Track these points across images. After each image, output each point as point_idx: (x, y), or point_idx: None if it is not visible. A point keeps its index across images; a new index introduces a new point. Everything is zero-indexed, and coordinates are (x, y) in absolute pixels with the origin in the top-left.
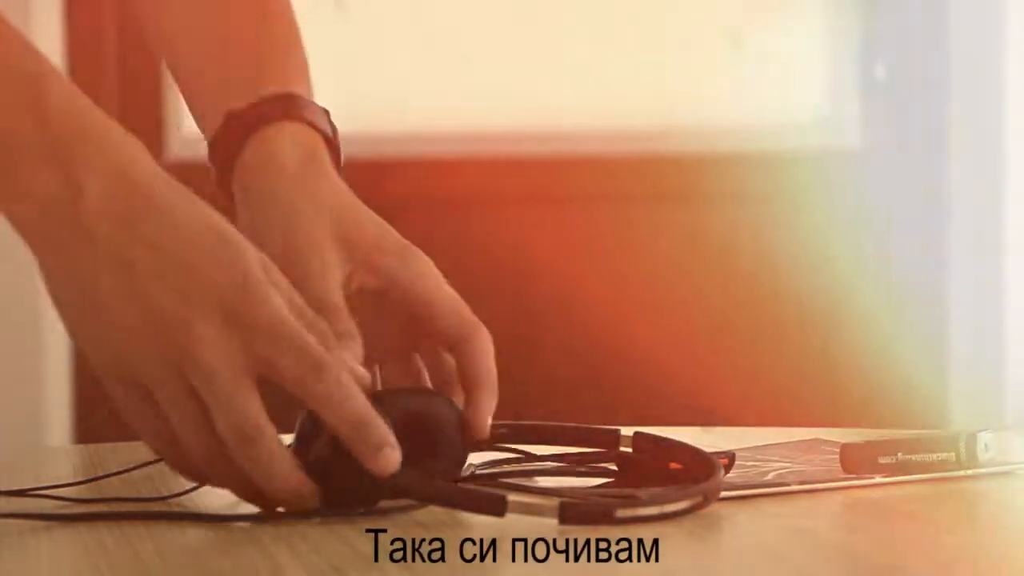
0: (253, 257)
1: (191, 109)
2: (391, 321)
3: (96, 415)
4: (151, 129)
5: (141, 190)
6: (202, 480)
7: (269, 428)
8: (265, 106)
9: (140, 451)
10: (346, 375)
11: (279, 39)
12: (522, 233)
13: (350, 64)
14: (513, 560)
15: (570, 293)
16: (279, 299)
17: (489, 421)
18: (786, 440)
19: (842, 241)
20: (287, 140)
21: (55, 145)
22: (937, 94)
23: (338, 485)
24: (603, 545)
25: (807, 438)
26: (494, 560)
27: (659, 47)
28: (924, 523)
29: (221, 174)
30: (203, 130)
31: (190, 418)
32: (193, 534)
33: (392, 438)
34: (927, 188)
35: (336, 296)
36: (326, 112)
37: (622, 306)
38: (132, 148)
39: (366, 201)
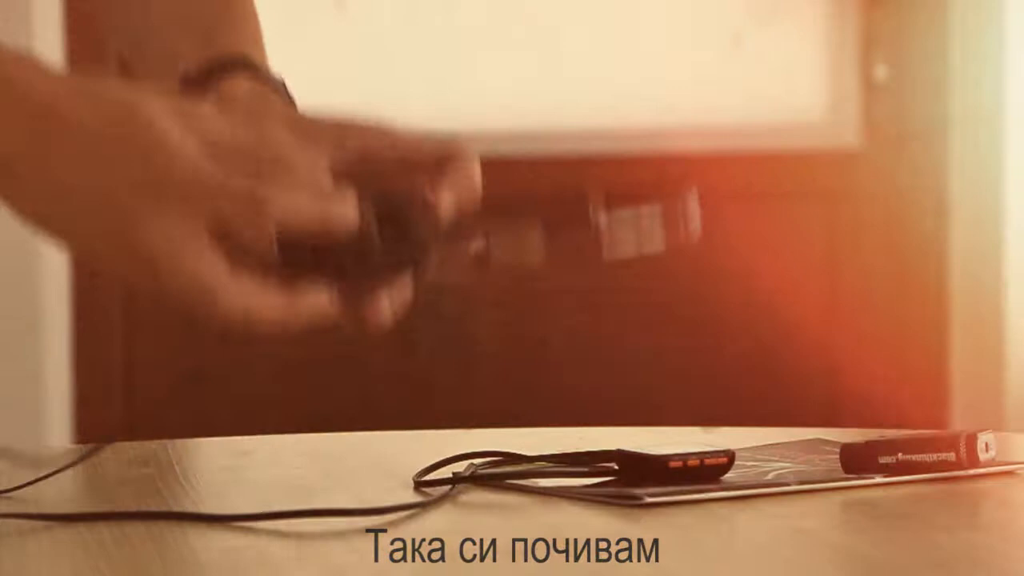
0: (161, 123)
1: (131, 63)
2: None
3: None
4: None
5: (43, 112)
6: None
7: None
8: (216, 64)
9: (139, 451)
10: (282, 192)
11: (231, 11)
12: None
13: (350, 64)
14: (513, 560)
15: (569, 293)
16: (191, 158)
17: (449, 199)
18: (786, 440)
19: (841, 241)
20: (240, 88)
21: None
22: (937, 94)
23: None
24: (603, 545)
25: (807, 438)
26: (494, 560)
27: (660, 47)
28: (924, 523)
29: None
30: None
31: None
32: (193, 534)
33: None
34: (927, 188)
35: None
36: (283, 81)
37: (620, 305)
38: (24, 68)
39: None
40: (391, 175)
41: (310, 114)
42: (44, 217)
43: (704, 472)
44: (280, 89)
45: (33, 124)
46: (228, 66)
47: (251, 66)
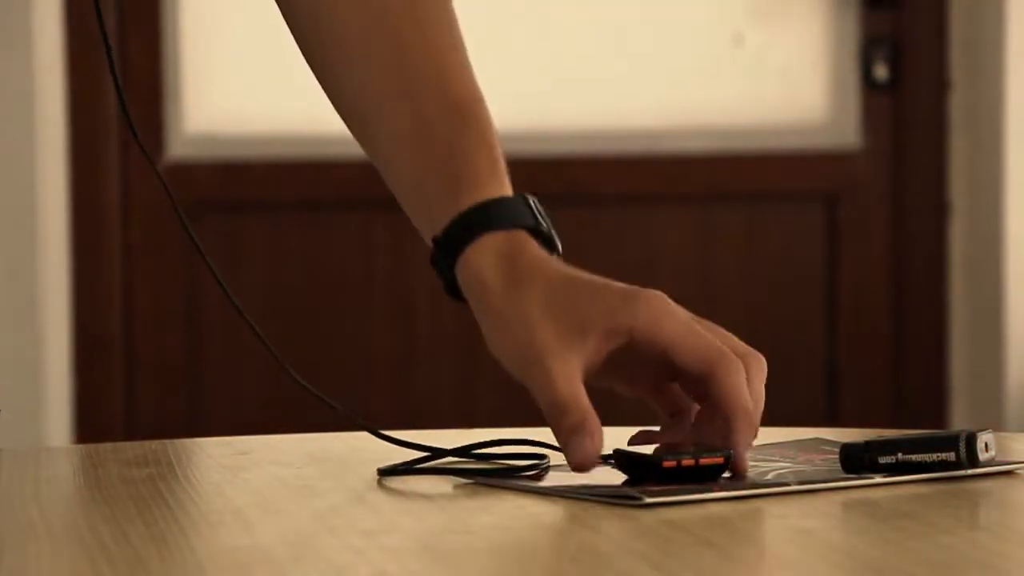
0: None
1: (394, 191)
2: (646, 374)
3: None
4: (151, 129)
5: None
6: None
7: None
8: (461, 227)
9: (139, 451)
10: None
11: (468, 127)
12: None
13: None
14: (513, 560)
15: None
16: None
17: (745, 453)
18: (786, 440)
19: (841, 241)
20: (488, 256)
21: None
22: (937, 94)
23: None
24: (603, 545)
25: (807, 438)
26: (494, 560)
27: (660, 48)
28: (924, 523)
29: (446, 285)
30: (419, 228)
31: None
32: (193, 534)
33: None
34: (927, 188)
35: (561, 394)
36: (524, 198)
37: None
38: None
39: (364, 200)
40: (658, 379)
41: (574, 284)
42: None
43: (700, 472)
44: (527, 223)
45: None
46: (469, 229)
47: (491, 217)
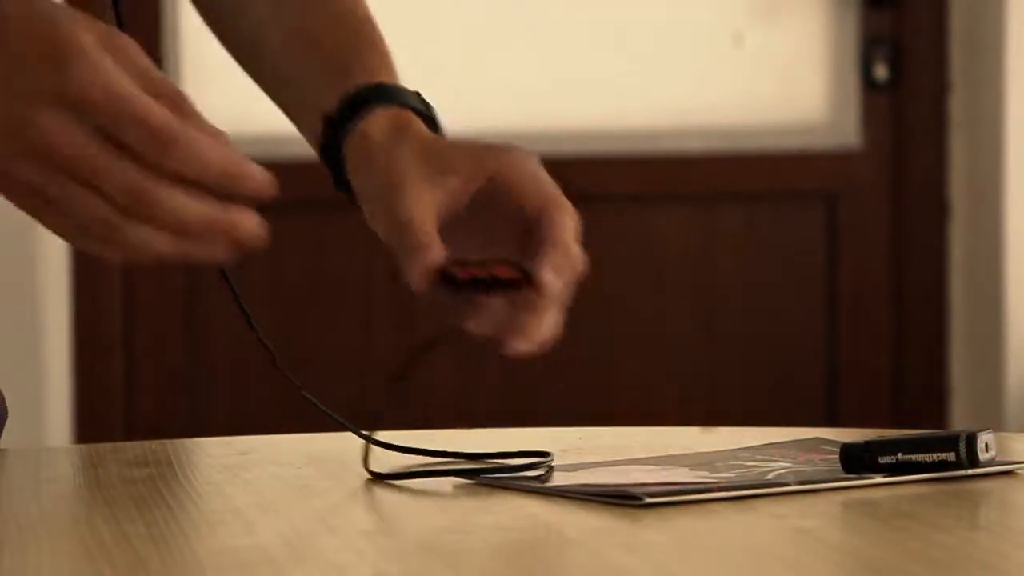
0: (87, 38)
1: (286, 113)
2: (502, 236)
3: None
4: None
5: None
6: (132, 252)
7: (151, 178)
8: (352, 103)
9: (139, 451)
10: (196, 132)
11: (357, 36)
12: None
13: None
14: (513, 560)
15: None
16: (117, 74)
17: (552, 278)
18: (786, 440)
19: (841, 241)
20: (379, 122)
21: None
22: (937, 94)
23: None
24: (603, 545)
25: (807, 438)
26: (494, 559)
27: (660, 48)
28: (924, 523)
29: (335, 174)
30: (304, 135)
31: (84, 206)
32: (193, 534)
33: (256, 167)
34: (927, 188)
35: (411, 216)
36: (417, 93)
37: (622, 304)
38: None
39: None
40: (522, 218)
41: (446, 142)
42: None
43: (498, 284)
44: (416, 106)
45: None
46: (364, 103)
47: (385, 94)
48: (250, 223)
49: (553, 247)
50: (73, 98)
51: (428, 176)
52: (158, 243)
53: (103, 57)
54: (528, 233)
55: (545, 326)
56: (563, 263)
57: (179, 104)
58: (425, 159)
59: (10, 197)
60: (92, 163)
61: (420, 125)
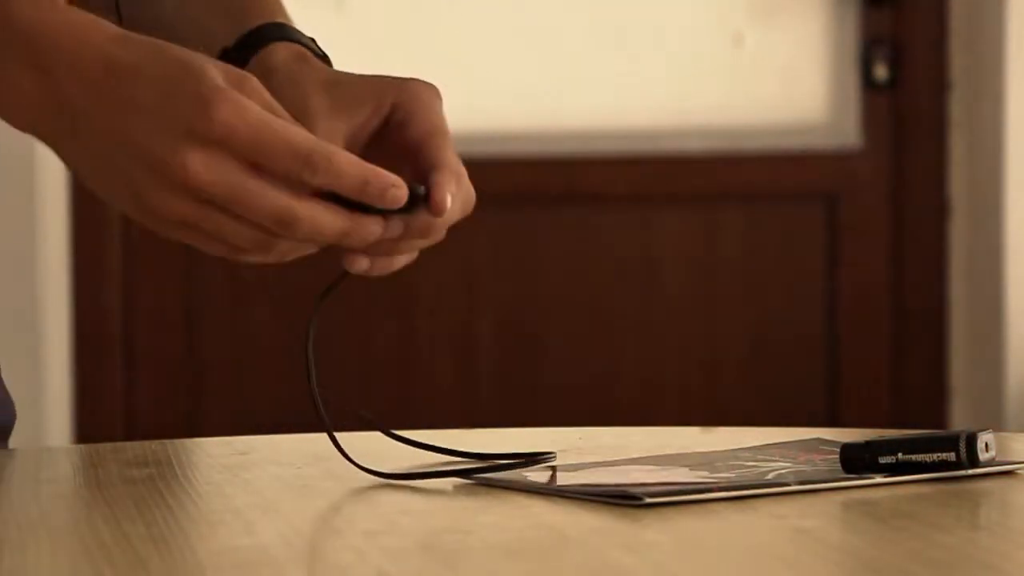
0: (216, 73)
1: None
2: (399, 152)
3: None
4: None
5: (99, 57)
6: (281, 258)
7: (296, 202)
8: (251, 39)
9: (139, 451)
10: (338, 150)
11: None
12: (524, 232)
13: (350, 64)
14: (513, 560)
15: (571, 291)
16: (252, 106)
17: (448, 197)
18: (786, 440)
19: (841, 241)
20: (279, 53)
21: (24, 45)
22: (937, 94)
23: None
24: (602, 545)
25: (807, 438)
26: (494, 559)
27: (660, 47)
28: (924, 523)
29: None
30: None
31: (233, 233)
32: (193, 534)
33: (393, 177)
34: (927, 188)
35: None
36: (313, 40)
37: (622, 304)
38: (86, 22)
39: None
40: (411, 148)
41: (349, 75)
42: (91, 171)
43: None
44: (313, 49)
45: (100, 73)
46: (263, 38)
47: (285, 34)
48: (377, 228)
49: (440, 169)
50: (219, 136)
51: (335, 108)
52: (300, 253)
53: (239, 95)
54: (417, 159)
55: (421, 245)
56: (453, 182)
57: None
58: (329, 90)
59: (161, 231)
60: (240, 197)
61: (317, 61)
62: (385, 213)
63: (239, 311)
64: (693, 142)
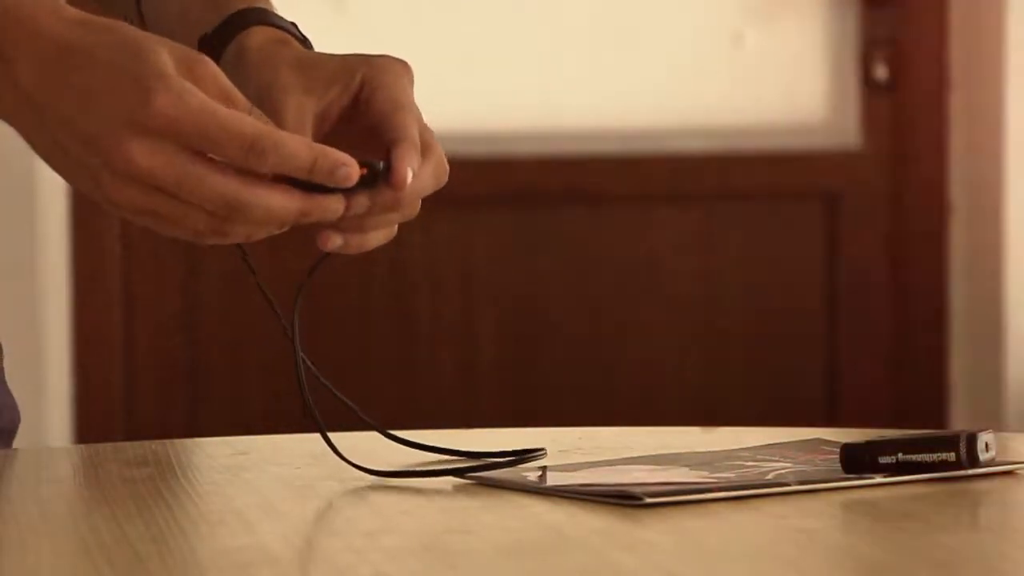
0: (166, 59)
1: None
2: (367, 130)
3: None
4: None
5: (55, 42)
6: (247, 239)
7: (244, 187)
8: (232, 21)
9: (139, 451)
10: (286, 135)
11: None
12: (524, 232)
13: None
14: (513, 560)
15: (571, 291)
16: (195, 94)
17: (408, 171)
18: (786, 440)
19: (841, 241)
20: (256, 37)
21: None
22: (937, 94)
23: None
24: (602, 544)
25: (807, 438)
26: (494, 559)
27: (660, 47)
28: (924, 523)
29: None
30: None
31: (186, 218)
32: (193, 534)
33: (342, 156)
34: (927, 188)
35: (290, 124)
36: (294, 24)
37: (622, 304)
38: (47, 8)
39: None
40: (376, 123)
41: (321, 54)
42: (57, 161)
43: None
44: (293, 33)
45: (53, 59)
46: (243, 22)
47: (263, 17)
48: (338, 206)
49: (400, 143)
50: (160, 126)
51: (306, 86)
52: (264, 234)
53: (184, 82)
54: (380, 133)
55: (390, 221)
56: (413, 155)
57: (258, 117)
58: (301, 69)
59: (123, 216)
60: (185, 184)
61: (296, 43)
62: (346, 191)
63: (239, 311)
64: (693, 142)
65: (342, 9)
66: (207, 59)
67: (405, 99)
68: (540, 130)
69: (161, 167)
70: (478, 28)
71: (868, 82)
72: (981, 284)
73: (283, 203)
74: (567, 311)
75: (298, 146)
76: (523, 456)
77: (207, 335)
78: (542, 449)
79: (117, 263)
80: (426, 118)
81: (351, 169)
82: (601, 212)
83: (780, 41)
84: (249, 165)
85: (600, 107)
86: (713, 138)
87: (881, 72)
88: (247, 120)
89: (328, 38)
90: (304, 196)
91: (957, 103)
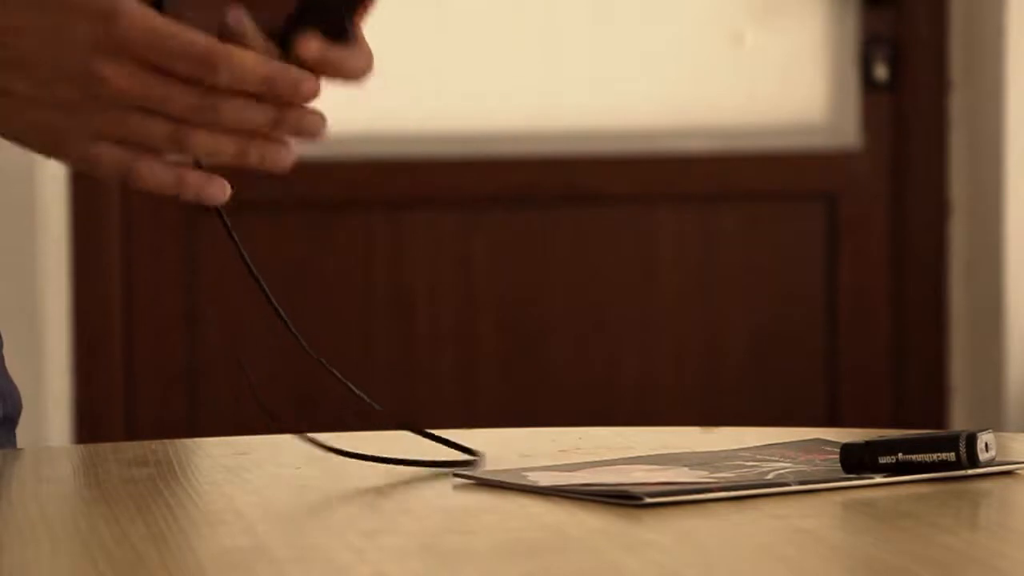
0: None
1: None
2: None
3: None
4: None
5: None
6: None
7: (212, 97)
8: None
9: (139, 451)
10: (237, 50)
11: None
12: (524, 232)
13: None
14: (513, 560)
15: (571, 291)
16: (158, 19)
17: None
18: (786, 440)
19: (841, 241)
20: None
21: None
22: (937, 94)
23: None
24: (602, 544)
25: (807, 438)
26: (494, 560)
27: (660, 47)
28: (924, 523)
29: None
30: None
31: (147, 129)
32: (193, 534)
33: (299, 72)
34: (927, 188)
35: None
36: None
37: (622, 304)
38: None
39: (364, 200)
40: None
41: None
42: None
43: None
44: None
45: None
46: None
47: None
48: (314, 117)
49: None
50: (120, 44)
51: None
52: (225, 146)
53: (139, 4)
54: None
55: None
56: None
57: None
58: None
59: (100, 152)
60: (155, 92)
61: None
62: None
63: (239, 311)
64: (693, 142)
65: None
66: None
67: None
68: (539, 130)
69: (127, 81)
70: (478, 28)
71: (868, 82)
72: (981, 284)
73: (250, 106)
74: (567, 311)
75: (255, 62)
76: (459, 462)
77: (207, 335)
78: (480, 454)
79: (117, 263)
80: (426, 118)
81: (312, 83)
82: (601, 212)
83: (780, 41)
84: (206, 80)
85: (600, 107)
86: (713, 138)
87: (881, 72)
88: (202, 36)
89: None
90: (274, 108)
91: (957, 103)
